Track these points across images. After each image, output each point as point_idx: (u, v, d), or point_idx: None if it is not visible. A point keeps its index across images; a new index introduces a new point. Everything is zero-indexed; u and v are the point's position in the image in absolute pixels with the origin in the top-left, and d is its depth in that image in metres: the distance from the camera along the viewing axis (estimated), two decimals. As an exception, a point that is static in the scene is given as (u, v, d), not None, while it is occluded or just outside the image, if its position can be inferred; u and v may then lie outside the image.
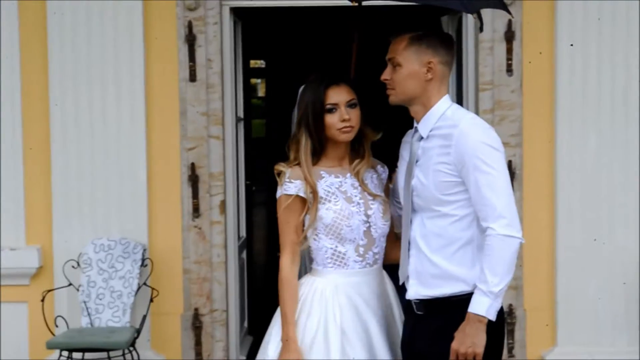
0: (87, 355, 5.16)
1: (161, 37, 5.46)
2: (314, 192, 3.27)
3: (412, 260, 3.24)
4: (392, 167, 3.47)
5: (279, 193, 3.32)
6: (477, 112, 5.27)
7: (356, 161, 3.37)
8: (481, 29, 3.52)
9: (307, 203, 3.29)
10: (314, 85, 3.33)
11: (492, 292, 3.02)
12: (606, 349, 5.41)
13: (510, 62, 5.36)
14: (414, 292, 3.23)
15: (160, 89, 5.48)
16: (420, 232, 3.22)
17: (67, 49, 5.41)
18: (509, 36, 5.34)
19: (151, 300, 5.33)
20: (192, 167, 5.46)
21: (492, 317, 3.05)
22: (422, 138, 3.22)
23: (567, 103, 5.38)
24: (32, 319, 5.49)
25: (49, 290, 5.35)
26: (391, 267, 3.44)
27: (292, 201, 3.28)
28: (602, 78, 5.35)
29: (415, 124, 3.27)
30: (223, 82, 5.51)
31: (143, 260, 5.36)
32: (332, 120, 3.29)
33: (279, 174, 3.34)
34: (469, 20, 5.39)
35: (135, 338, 5.16)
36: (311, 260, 3.39)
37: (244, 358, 5.85)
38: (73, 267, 5.36)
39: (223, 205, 5.53)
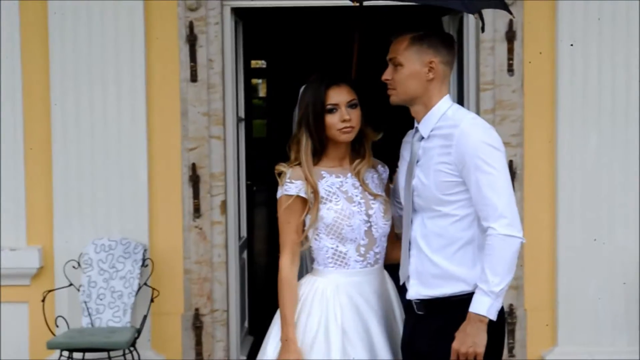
0: (88, 355, 5.16)
1: (162, 37, 5.46)
2: (315, 192, 3.27)
3: (413, 260, 3.24)
4: (393, 167, 3.47)
5: (279, 193, 3.32)
6: (478, 112, 5.27)
7: (357, 161, 3.37)
8: (483, 29, 3.52)
9: (308, 203, 3.29)
10: (315, 85, 3.33)
11: (493, 292, 3.03)
12: (606, 349, 5.41)
13: (511, 62, 5.37)
14: (415, 292, 3.23)
15: (161, 89, 5.48)
16: (420, 232, 3.22)
17: (68, 49, 5.42)
18: (510, 36, 5.35)
19: (152, 301, 5.33)
20: (193, 167, 5.46)
21: (493, 316, 3.05)
22: (422, 138, 3.23)
23: (567, 103, 5.38)
24: (32, 319, 5.49)
25: (50, 291, 5.35)
26: (392, 267, 3.44)
27: (293, 201, 3.28)
28: (602, 78, 5.35)
29: (416, 124, 3.27)
30: (224, 82, 5.51)
31: (144, 260, 5.36)
32: (332, 120, 3.29)
33: (280, 174, 3.34)
34: (470, 20, 5.39)
35: (136, 338, 5.16)
36: (312, 260, 3.39)
37: (245, 358, 5.85)
38: (74, 267, 5.36)
39: (224, 205, 5.53)
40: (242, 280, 5.97)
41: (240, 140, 5.87)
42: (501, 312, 3.11)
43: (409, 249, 3.25)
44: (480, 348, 3.04)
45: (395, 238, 3.45)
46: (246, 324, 6.19)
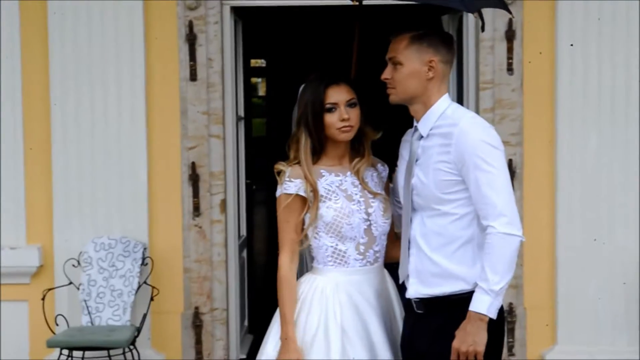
0: (88, 354, 5.16)
1: (162, 36, 5.46)
2: (315, 190, 3.28)
3: (412, 259, 3.24)
4: (392, 166, 3.47)
5: (278, 192, 3.32)
6: (477, 111, 5.28)
7: (356, 160, 3.37)
8: (483, 29, 3.53)
9: (307, 202, 3.29)
10: (314, 84, 3.33)
11: (492, 291, 3.03)
12: (606, 349, 5.41)
13: (510, 61, 5.37)
14: (414, 290, 3.23)
15: (160, 89, 5.48)
16: (420, 231, 3.22)
17: (68, 48, 5.42)
18: (510, 35, 5.35)
19: (151, 299, 5.33)
20: (193, 166, 5.47)
21: (493, 315, 3.05)
22: (422, 137, 3.23)
23: (567, 102, 5.38)
24: (32, 318, 5.49)
25: (50, 289, 5.36)
26: (392, 266, 3.44)
27: (292, 200, 3.28)
28: (602, 78, 5.36)
29: (415, 123, 3.28)
30: (224, 81, 5.51)
31: (143, 259, 5.36)
32: (331, 119, 3.29)
33: (279, 173, 3.34)
34: (470, 19, 5.39)
35: (136, 337, 5.17)
36: (312, 258, 3.40)
37: (244, 357, 5.85)
38: (73, 265, 5.37)
39: (223, 204, 5.54)
40: (241, 279, 5.98)
41: (239, 139, 5.87)
42: (501, 311, 3.11)
43: (409, 248, 3.26)
44: (481, 347, 3.05)
45: (395, 237, 3.45)
46: (246, 323, 6.20)
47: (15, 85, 5.48)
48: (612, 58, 5.35)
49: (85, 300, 5.28)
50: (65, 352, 5.09)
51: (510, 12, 3.51)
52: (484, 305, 3.04)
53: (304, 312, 3.30)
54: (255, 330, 6.07)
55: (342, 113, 3.29)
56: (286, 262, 3.31)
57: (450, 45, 3.26)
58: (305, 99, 3.32)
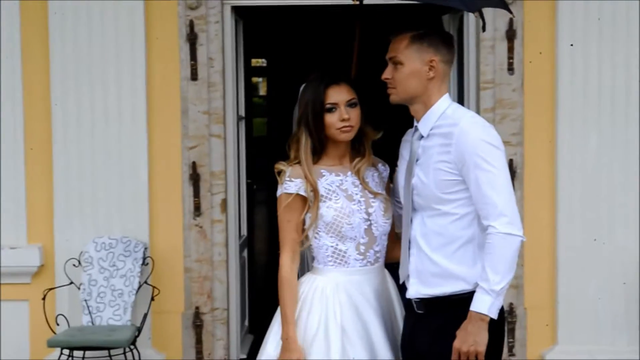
0: (88, 353, 5.16)
1: (162, 36, 5.46)
2: (315, 190, 3.28)
3: (413, 259, 3.24)
4: (393, 166, 3.47)
5: (279, 192, 3.32)
6: (478, 111, 5.28)
7: (357, 159, 3.37)
8: (484, 28, 3.53)
9: (308, 202, 3.29)
10: (314, 84, 3.33)
11: (493, 291, 3.03)
12: (606, 348, 5.41)
13: (511, 60, 5.37)
14: (415, 291, 3.23)
15: (161, 88, 5.48)
16: (420, 231, 3.22)
17: (69, 48, 5.42)
18: (510, 35, 5.35)
19: (152, 299, 5.34)
20: (194, 165, 5.47)
21: (494, 315, 3.05)
22: (422, 137, 3.23)
23: (567, 102, 5.38)
24: (33, 318, 5.49)
25: (50, 289, 5.36)
26: (392, 266, 3.44)
27: (293, 200, 3.28)
28: (602, 78, 5.36)
29: (415, 123, 3.28)
30: (224, 81, 5.51)
31: (144, 258, 5.37)
32: (331, 119, 3.29)
33: (279, 172, 3.34)
34: (470, 19, 5.39)
35: (136, 336, 5.17)
36: (312, 258, 3.40)
37: (245, 357, 5.85)
38: (74, 265, 5.37)
39: (224, 204, 5.54)
40: (242, 278, 5.98)
41: (240, 138, 5.87)
42: (501, 311, 3.11)
43: (409, 248, 3.26)
44: (482, 347, 3.05)
45: (395, 237, 3.45)
46: (246, 323, 6.20)
47: (15, 85, 5.48)
48: (612, 58, 5.35)
49: (85, 300, 5.28)
50: (66, 351, 5.09)
51: (510, 12, 3.51)
52: (485, 305, 3.04)
53: (304, 312, 3.30)
54: (256, 330, 6.08)
55: (342, 113, 3.29)
56: (287, 262, 3.31)
57: (451, 45, 3.26)
58: (306, 99, 3.33)
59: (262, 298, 5.99)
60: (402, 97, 3.24)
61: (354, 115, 3.31)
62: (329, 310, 3.27)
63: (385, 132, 3.44)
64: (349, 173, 3.36)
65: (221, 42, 5.47)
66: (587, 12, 5.33)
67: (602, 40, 5.34)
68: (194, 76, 5.43)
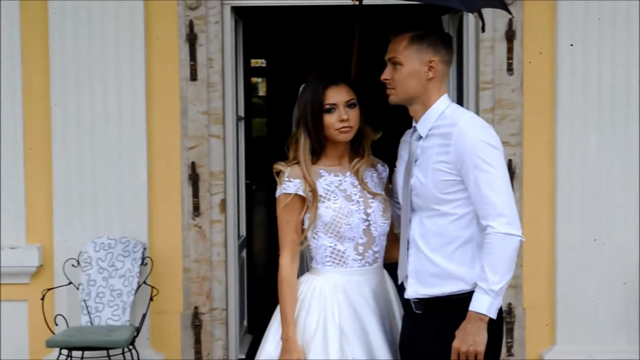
0: (87, 353, 5.16)
1: (162, 36, 5.46)
2: (314, 190, 3.27)
3: (412, 260, 3.24)
4: (392, 166, 3.47)
5: (278, 192, 3.32)
6: (477, 111, 5.28)
7: (356, 160, 3.37)
8: (483, 29, 3.52)
9: (307, 202, 3.29)
10: (314, 85, 3.33)
11: (492, 291, 3.03)
12: (606, 349, 5.41)
13: (510, 61, 5.37)
14: (413, 291, 3.23)
15: (161, 88, 5.48)
16: (419, 231, 3.22)
17: (68, 48, 5.42)
18: (510, 35, 5.35)
19: (151, 299, 5.33)
20: (193, 166, 5.47)
21: (493, 315, 3.06)
22: (421, 137, 3.23)
23: (567, 103, 5.38)
24: (32, 318, 5.49)
25: (49, 289, 5.36)
26: (391, 266, 3.44)
27: (291, 200, 3.28)
28: (602, 78, 5.36)
29: (414, 124, 3.28)
30: (224, 81, 5.51)
31: (143, 258, 5.36)
32: (330, 120, 3.29)
33: (278, 173, 3.34)
34: (470, 19, 5.39)
35: (135, 337, 5.17)
36: (311, 258, 3.40)
37: (244, 357, 5.85)
38: (73, 265, 5.37)
39: (223, 204, 5.54)
40: (241, 279, 5.98)
41: (239, 139, 5.87)
42: (499, 310, 3.12)
43: (408, 248, 3.26)
44: (481, 347, 3.05)
45: (394, 238, 3.45)
46: (245, 323, 6.20)
47: (15, 85, 5.48)
48: (612, 58, 5.35)
49: (84, 300, 5.28)
50: (65, 352, 5.09)
51: (510, 12, 3.51)
52: (484, 305, 3.04)
53: (303, 312, 3.29)
54: (255, 330, 6.07)
55: (341, 114, 3.29)
56: (287, 263, 3.31)
57: (450, 46, 3.27)
58: (305, 100, 3.33)
59: (261, 298, 5.99)
60: (402, 98, 3.24)
61: (353, 115, 3.31)
62: (327, 311, 3.27)
63: (384, 133, 3.44)
64: (348, 173, 3.36)
65: (221, 43, 5.47)
66: (586, 12, 5.33)
67: (602, 40, 5.34)
68: (193, 76, 5.43)
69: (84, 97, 5.43)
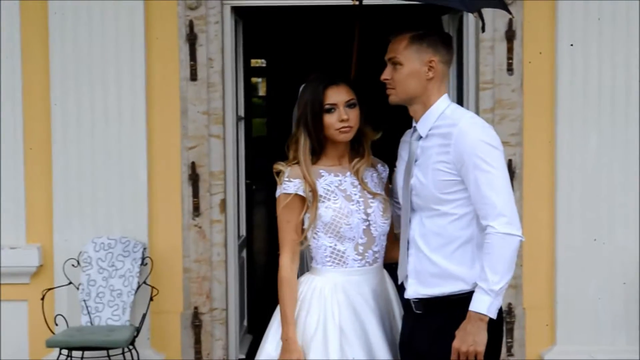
0: (87, 353, 5.16)
1: (162, 36, 5.46)
2: (314, 190, 3.27)
3: (412, 260, 3.24)
4: (392, 166, 3.47)
5: (278, 192, 3.32)
6: (477, 111, 5.28)
7: (356, 160, 3.37)
8: (483, 29, 3.52)
9: (307, 202, 3.29)
10: (313, 85, 3.33)
11: (492, 291, 3.03)
12: (605, 348, 5.41)
13: (510, 61, 5.37)
14: (413, 291, 3.23)
15: (161, 88, 5.48)
16: (419, 231, 3.22)
17: (68, 48, 5.42)
18: (510, 35, 5.35)
19: (151, 299, 5.33)
20: (193, 166, 5.47)
21: (493, 315, 3.06)
22: (421, 137, 3.23)
23: (567, 103, 5.38)
24: (32, 318, 5.49)
25: (49, 289, 5.36)
26: (391, 266, 3.44)
27: (291, 200, 3.28)
28: (602, 78, 5.36)
29: (414, 124, 3.28)
30: (224, 81, 5.51)
31: (143, 258, 5.36)
32: (330, 120, 3.29)
33: (278, 173, 3.34)
34: (470, 19, 5.39)
35: (135, 337, 5.17)
36: (311, 258, 3.40)
37: (244, 357, 5.85)
38: (73, 265, 5.37)
39: (223, 204, 5.54)
40: (241, 279, 5.98)
41: (239, 139, 5.87)
42: (499, 310, 3.12)
43: (408, 248, 3.26)
44: (481, 347, 3.05)
45: (394, 238, 3.45)
46: (245, 323, 6.20)
47: (15, 85, 5.48)
48: (612, 58, 5.35)
49: (84, 300, 5.28)
50: (65, 352, 5.09)
51: (510, 12, 3.51)
52: (484, 305, 3.04)
53: (303, 312, 3.29)
54: (255, 330, 6.07)
55: (341, 114, 3.29)
56: (287, 263, 3.31)
57: (450, 45, 3.27)
58: (305, 100, 3.33)
59: (261, 298, 5.99)
60: (402, 98, 3.24)
61: (353, 115, 3.31)
62: (327, 311, 3.27)
63: (384, 133, 3.44)
64: (348, 173, 3.36)
65: (221, 43, 5.47)
66: (586, 12, 5.33)
67: (602, 41, 5.34)
68: (193, 76, 5.43)
69: (84, 97, 5.43)
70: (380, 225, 3.34)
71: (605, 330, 5.44)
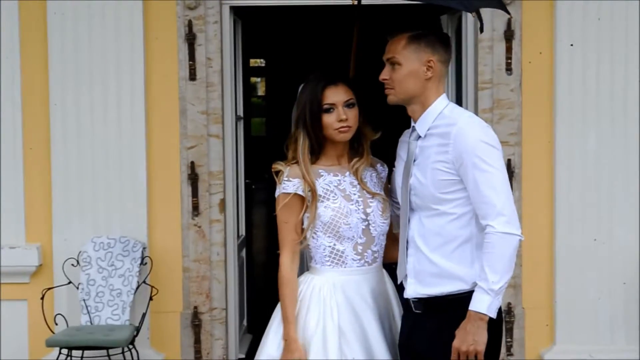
0: (87, 353, 5.16)
1: (161, 36, 5.46)
2: (313, 190, 3.27)
3: (411, 259, 3.25)
4: (391, 166, 3.47)
5: (277, 192, 3.32)
6: (476, 111, 5.28)
7: (355, 159, 3.37)
8: (481, 29, 3.52)
9: (306, 201, 3.29)
10: (312, 84, 3.33)
11: (492, 290, 3.03)
12: (605, 348, 5.41)
13: (509, 61, 5.37)
14: (413, 290, 3.23)
15: (160, 88, 5.48)
16: (418, 231, 3.22)
17: (68, 49, 5.42)
18: (509, 35, 5.35)
19: (150, 299, 5.34)
20: (192, 165, 5.47)
21: (493, 314, 3.06)
22: (419, 137, 3.23)
23: (566, 102, 5.38)
24: (31, 317, 5.49)
25: (49, 289, 5.36)
26: (390, 266, 3.44)
27: (291, 199, 3.28)
28: (601, 78, 5.36)
29: (412, 123, 3.28)
30: (223, 81, 5.51)
31: (143, 258, 5.37)
32: (329, 120, 3.29)
33: (277, 172, 3.34)
34: (469, 19, 5.39)
35: (135, 336, 5.17)
36: (310, 258, 3.40)
37: (243, 356, 5.85)
38: (73, 265, 5.37)
39: (222, 203, 5.54)
40: (240, 278, 5.98)
41: (239, 138, 5.87)
42: (499, 310, 3.12)
43: (407, 248, 3.26)
44: (481, 346, 3.05)
45: (394, 237, 3.44)
46: (245, 322, 6.20)
47: (15, 85, 5.48)
48: (611, 58, 5.35)
49: (84, 300, 5.28)
50: (65, 351, 5.09)
51: (508, 12, 3.51)
52: (483, 304, 3.04)
53: (302, 312, 3.29)
54: (254, 330, 6.08)
55: (340, 113, 3.29)
56: (287, 263, 3.31)
57: (448, 45, 3.27)
58: (304, 99, 3.33)
59: (260, 298, 5.99)
60: (400, 98, 3.25)
61: (352, 115, 3.31)
62: (327, 311, 3.27)
63: (383, 133, 3.44)
64: (347, 173, 3.36)
65: (220, 42, 5.47)
66: (585, 12, 5.33)
67: (601, 40, 5.34)
68: (192, 76, 5.44)
69: (83, 97, 5.44)
70: (380, 225, 3.34)
71: (605, 330, 5.44)
